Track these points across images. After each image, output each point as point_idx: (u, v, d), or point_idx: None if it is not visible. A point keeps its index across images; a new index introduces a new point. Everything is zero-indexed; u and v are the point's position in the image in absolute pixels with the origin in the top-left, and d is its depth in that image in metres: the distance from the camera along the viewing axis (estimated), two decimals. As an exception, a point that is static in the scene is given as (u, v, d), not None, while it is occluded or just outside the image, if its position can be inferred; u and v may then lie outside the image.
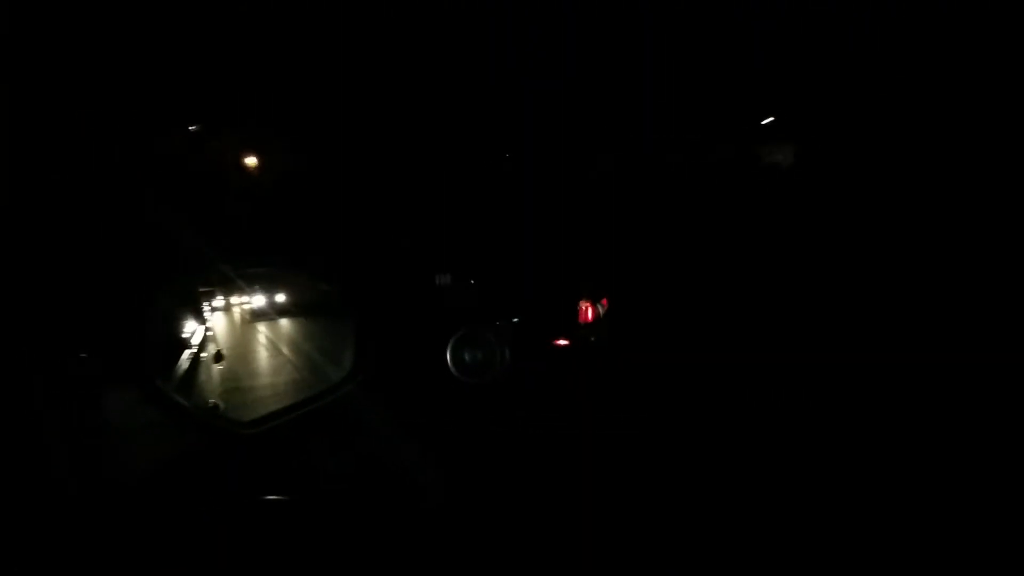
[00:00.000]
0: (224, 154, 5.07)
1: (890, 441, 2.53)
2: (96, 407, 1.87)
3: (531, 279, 3.56)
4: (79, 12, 2.81)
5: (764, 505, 2.17)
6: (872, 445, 2.50)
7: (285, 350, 4.82)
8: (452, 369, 2.84)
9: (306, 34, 4.12)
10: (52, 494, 1.73)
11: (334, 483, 2.28)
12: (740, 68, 4.46)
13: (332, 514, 2.05)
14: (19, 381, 1.77)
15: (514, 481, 2.39)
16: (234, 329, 5.16)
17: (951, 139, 4.20)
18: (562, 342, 3.20)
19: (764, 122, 4.97)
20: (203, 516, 1.88)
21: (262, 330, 5.20)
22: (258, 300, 4.99)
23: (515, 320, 3.12)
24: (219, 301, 4.71)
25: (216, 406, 2.77)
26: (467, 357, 2.87)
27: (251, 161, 5.27)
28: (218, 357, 3.80)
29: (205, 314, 4.03)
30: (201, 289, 3.80)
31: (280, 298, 4.87)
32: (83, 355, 1.97)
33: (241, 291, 4.63)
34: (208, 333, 3.96)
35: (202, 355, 3.42)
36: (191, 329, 3.41)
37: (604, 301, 3.29)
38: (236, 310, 5.27)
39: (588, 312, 3.23)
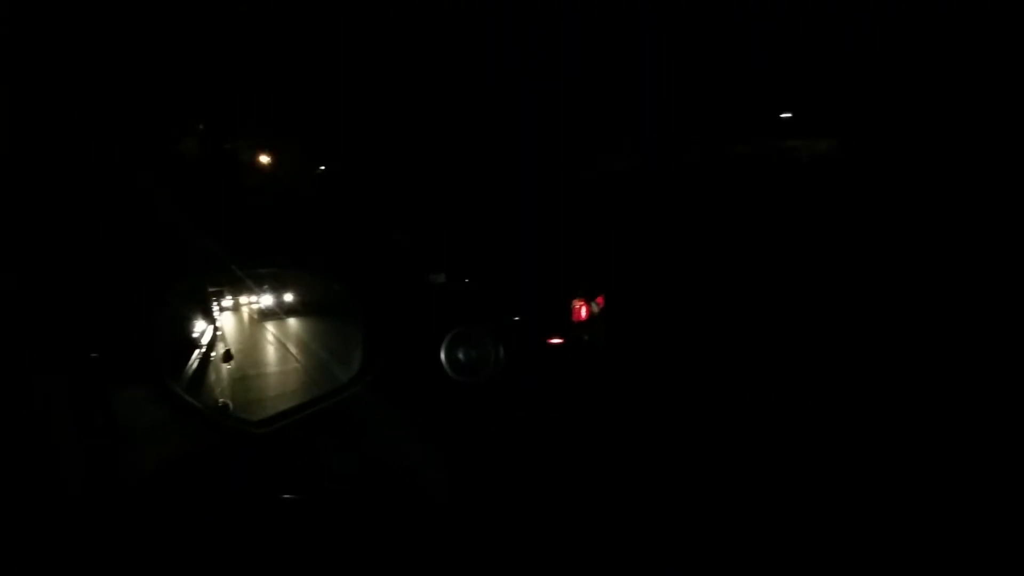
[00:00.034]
0: (231, 153, 5.11)
1: (890, 441, 2.53)
2: (106, 407, 1.89)
3: (527, 278, 3.56)
4: (79, 12, 2.84)
5: (764, 505, 2.18)
6: (872, 445, 2.50)
7: (293, 349, 4.86)
8: (446, 368, 2.84)
9: (306, 34, 4.14)
10: (58, 493, 1.76)
11: (339, 483, 2.29)
12: (740, 68, 4.43)
13: (336, 514, 2.08)
14: (28, 381, 1.80)
15: (515, 481, 2.41)
16: (242, 328, 5.22)
17: (981, 134, 4.11)
18: (556, 340, 3.19)
19: (783, 116, 4.90)
20: (204, 516, 1.91)
21: (270, 329, 5.25)
22: (266, 300, 5.03)
23: (512, 319, 3.12)
24: (228, 301, 4.77)
25: (226, 406, 2.80)
26: (461, 356, 2.85)
27: (257, 160, 5.31)
28: (227, 357, 3.84)
29: (214, 314, 4.07)
30: (210, 289, 3.85)
31: (288, 297, 4.90)
32: (93, 355, 1.98)
33: (250, 291, 4.66)
34: (217, 333, 4.01)
35: (211, 355, 3.46)
36: (200, 329, 3.44)
37: (600, 299, 3.27)
38: (245, 310, 5.33)
39: (582, 310, 3.22)
